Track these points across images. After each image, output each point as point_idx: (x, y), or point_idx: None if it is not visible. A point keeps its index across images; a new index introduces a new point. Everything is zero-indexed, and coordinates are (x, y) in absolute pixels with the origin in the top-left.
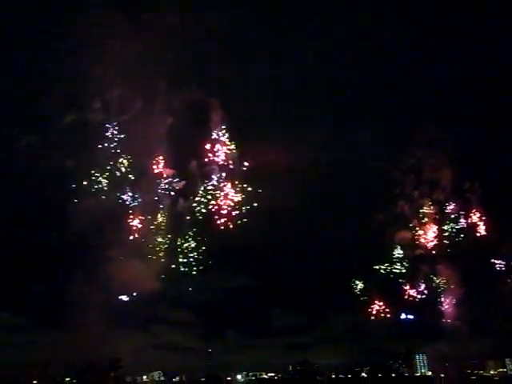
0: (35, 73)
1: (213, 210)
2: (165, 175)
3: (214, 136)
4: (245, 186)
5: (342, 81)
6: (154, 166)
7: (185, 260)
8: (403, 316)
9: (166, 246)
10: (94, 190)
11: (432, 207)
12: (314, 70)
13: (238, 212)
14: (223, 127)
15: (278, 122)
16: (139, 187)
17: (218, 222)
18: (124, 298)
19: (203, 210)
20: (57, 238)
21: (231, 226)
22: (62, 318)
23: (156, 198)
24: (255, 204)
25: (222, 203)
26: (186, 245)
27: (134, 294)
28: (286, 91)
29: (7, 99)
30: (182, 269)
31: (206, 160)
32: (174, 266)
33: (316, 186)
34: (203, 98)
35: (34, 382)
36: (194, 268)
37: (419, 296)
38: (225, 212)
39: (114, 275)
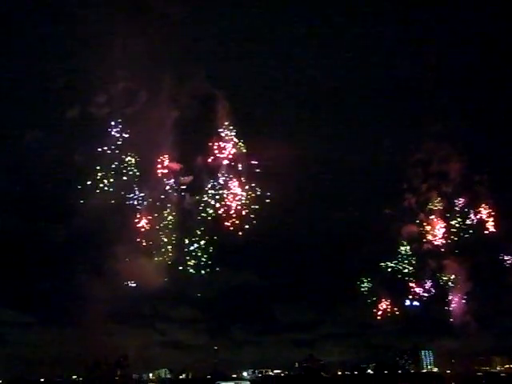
0: (37, 67)
1: (221, 210)
2: (168, 174)
3: (222, 134)
4: (252, 185)
5: (349, 77)
6: (159, 165)
7: (193, 261)
8: (408, 303)
9: (172, 245)
10: (98, 190)
11: (440, 201)
12: (320, 67)
13: (247, 211)
14: (229, 124)
15: (285, 119)
16: (146, 184)
17: (227, 222)
18: (132, 284)
19: (211, 212)
20: (63, 236)
21: (241, 227)
22: (68, 316)
23: (162, 197)
24: (263, 202)
25: (230, 203)
26: (195, 245)
27: (138, 285)
28: (291, 88)
29: (9, 93)
30: (191, 270)
31: (213, 156)
32: (181, 267)
33: (321, 183)
34: (210, 91)
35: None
36: (202, 270)
37: (426, 294)
38: (233, 212)
39: (120, 272)
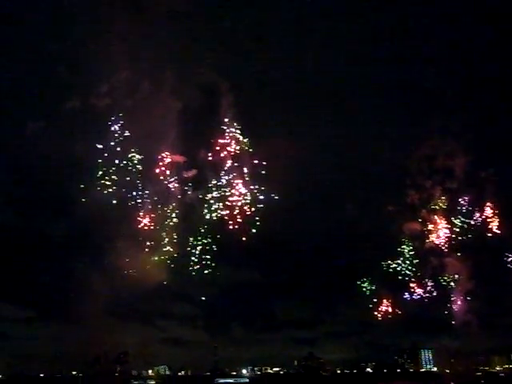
0: (38, 56)
1: (225, 212)
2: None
3: (226, 130)
4: (256, 186)
5: (353, 72)
6: (161, 161)
7: (196, 260)
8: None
9: (174, 242)
10: (99, 188)
11: (444, 199)
12: (324, 62)
13: (252, 210)
14: (233, 120)
15: (289, 117)
16: (148, 179)
17: (231, 223)
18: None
19: (214, 214)
20: (63, 231)
21: (245, 231)
22: (68, 311)
23: (165, 192)
24: (265, 200)
25: (233, 203)
26: (198, 243)
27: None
28: (295, 86)
29: (9, 84)
30: (193, 273)
31: (217, 153)
32: (182, 265)
33: (323, 181)
34: (213, 83)
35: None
36: (205, 271)
37: (428, 295)
38: (237, 212)
39: (121, 268)
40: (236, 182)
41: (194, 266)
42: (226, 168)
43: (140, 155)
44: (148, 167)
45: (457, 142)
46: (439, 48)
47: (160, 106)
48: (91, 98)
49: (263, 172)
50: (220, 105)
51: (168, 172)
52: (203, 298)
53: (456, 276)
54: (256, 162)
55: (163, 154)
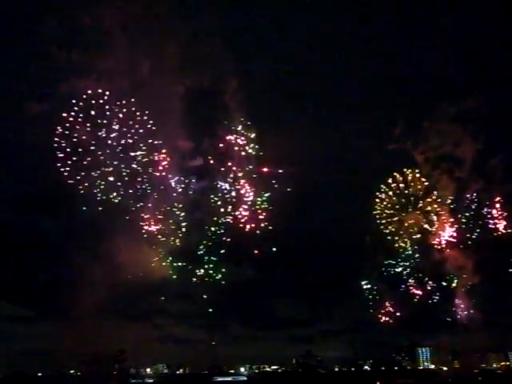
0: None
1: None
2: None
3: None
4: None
5: (359, 62)
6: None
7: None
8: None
9: (176, 241)
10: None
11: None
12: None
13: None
14: (240, 114)
15: (294, 113)
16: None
17: (242, 226)
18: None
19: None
20: (62, 228)
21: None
22: (66, 310)
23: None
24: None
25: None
26: (203, 247)
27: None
28: (302, 83)
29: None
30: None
31: (222, 147)
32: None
33: (322, 180)
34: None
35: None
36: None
37: (428, 294)
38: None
39: (120, 266)
40: (242, 182)
41: (197, 266)
42: (232, 175)
43: (143, 145)
44: (152, 159)
45: (464, 129)
46: (445, 34)
47: (164, 90)
48: (88, 84)
49: (268, 171)
50: (225, 92)
51: (172, 162)
52: (204, 296)
53: (458, 274)
54: (261, 163)
55: (163, 151)
